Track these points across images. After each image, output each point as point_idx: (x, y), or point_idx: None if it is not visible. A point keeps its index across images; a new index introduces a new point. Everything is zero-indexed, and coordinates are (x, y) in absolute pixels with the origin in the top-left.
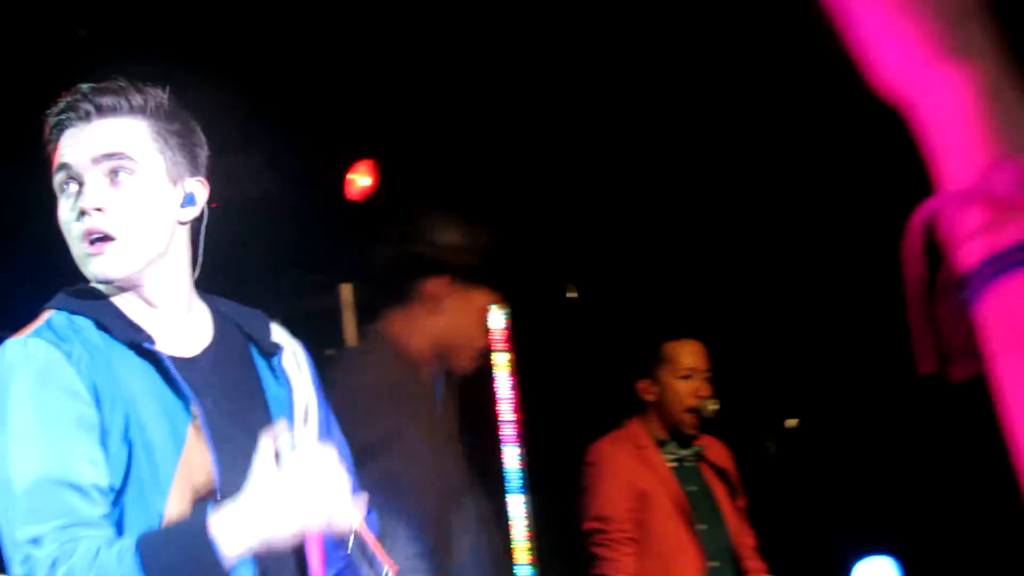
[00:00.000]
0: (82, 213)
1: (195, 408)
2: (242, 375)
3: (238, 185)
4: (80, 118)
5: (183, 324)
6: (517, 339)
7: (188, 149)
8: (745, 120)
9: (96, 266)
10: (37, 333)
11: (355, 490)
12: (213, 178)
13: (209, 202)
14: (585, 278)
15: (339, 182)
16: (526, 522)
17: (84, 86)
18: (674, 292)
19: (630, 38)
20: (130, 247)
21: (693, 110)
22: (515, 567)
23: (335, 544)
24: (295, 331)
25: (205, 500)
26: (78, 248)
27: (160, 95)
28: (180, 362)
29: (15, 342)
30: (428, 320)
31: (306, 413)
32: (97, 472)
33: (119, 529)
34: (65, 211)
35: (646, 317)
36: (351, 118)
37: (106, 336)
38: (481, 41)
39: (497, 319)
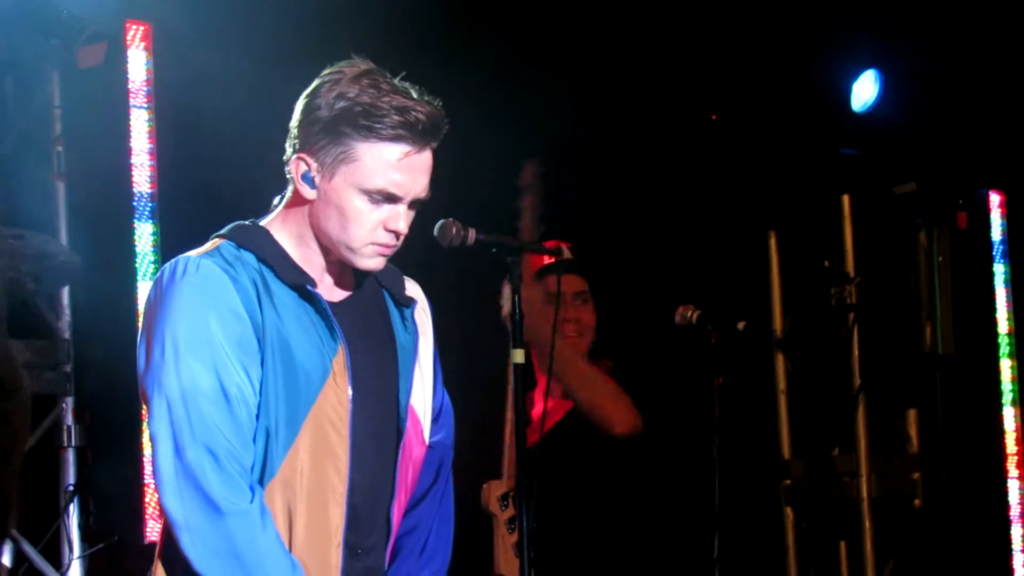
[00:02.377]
0: (391, 231)
1: (342, 345)
2: (378, 322)
3: None
4: (416, 140)
5: (334, 272)
6: None
7: None
8: None
9: (373, 264)
10: (209, 255)
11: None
12: None
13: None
14: None
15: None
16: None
17: (425, 102)
18: None
19: None
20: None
21: None
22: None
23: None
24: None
25: (336, 427)
26: (362, 243)
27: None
28: (331, 305)
29: (187, 259)
30: None
31: (423, 358)
32: (250, 392)
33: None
34: (369, 214)
35: None
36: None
37: (268, 271)
38: None
39: None
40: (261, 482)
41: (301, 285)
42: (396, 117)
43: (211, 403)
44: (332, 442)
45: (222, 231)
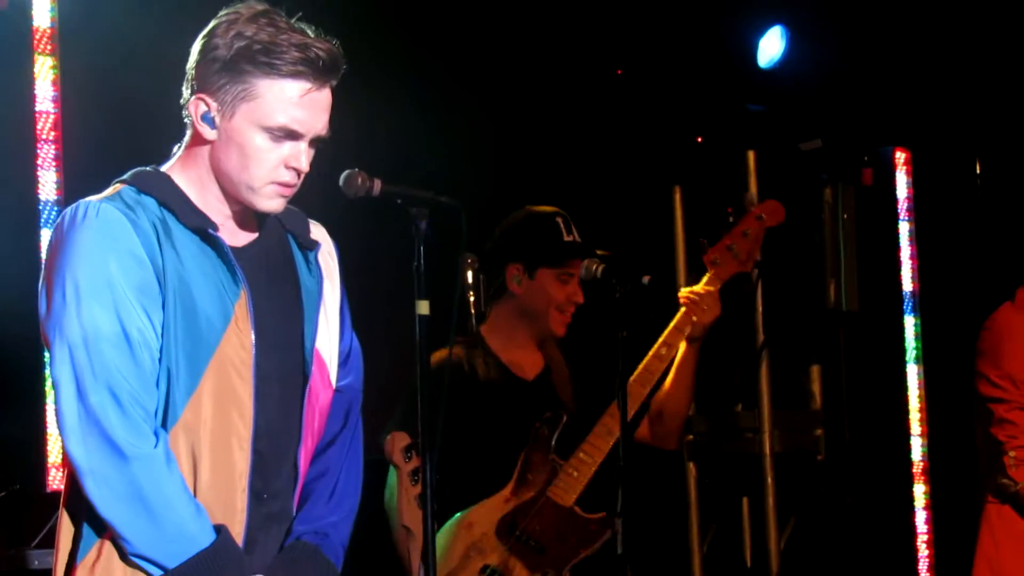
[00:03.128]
0: (291, 168)
1: (244, 289)
2: (282, 265)
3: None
4: (316, 77)
5: (237, 216)
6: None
7: None
8: None
9: (274, 205)
10: (109, 200)
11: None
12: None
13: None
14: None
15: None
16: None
17: (323, 39)
18: None
19: None
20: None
21: None
22: (911, 436)
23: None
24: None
25: (239, 371)
26: (263, 182)
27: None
28: (233, 250)
29: (87, 203)
30: None
31: (328, 301)
32: (152, 336)
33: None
34: (269, 152)
35: None
36: None
37: (169, 216)
38: None
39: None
40: (165, 427)
41: (202, 228)
42: (296, 53)
43: (113, 347)
44: (235, 387)
45: (123, 177)
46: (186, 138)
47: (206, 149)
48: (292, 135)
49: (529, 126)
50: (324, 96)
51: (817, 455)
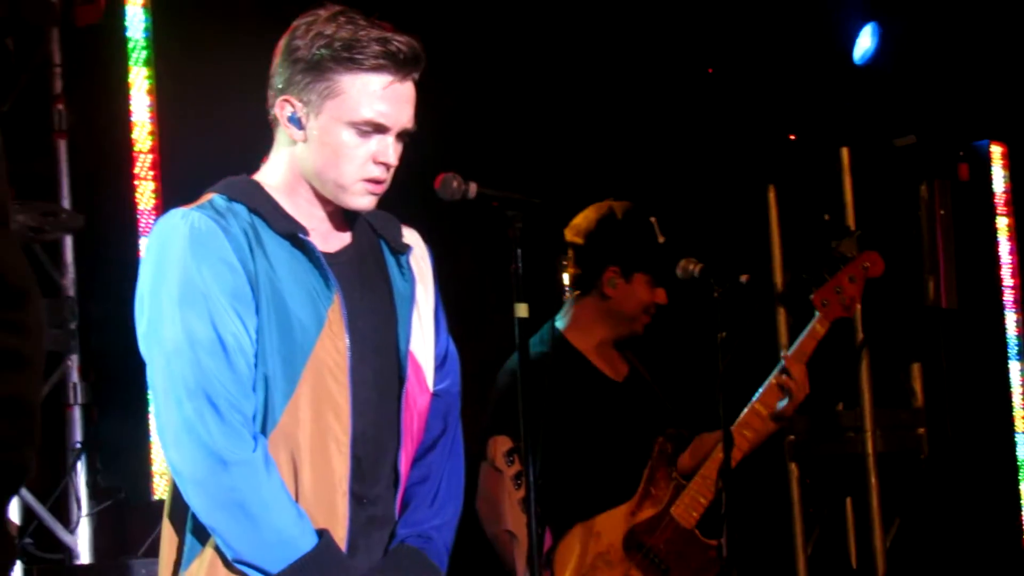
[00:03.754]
0: (380, 164)
1: (337, 294)
2: (374, 270)
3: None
4: (398, 69)
5: (330, 224)
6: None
7: None
8: None
9: (364, 203)
10: (199, 208)
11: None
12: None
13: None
14: None
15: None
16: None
17: (403, 33)
18: None
19: None
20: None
21: None
22: (1015, 433)
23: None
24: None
25: (335, 376)
26: (353, 179)
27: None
28: (325, 256)
29: (177, 212)
30: None
31: (421, 303)
32: (247, 341)
33: (257, 394)
34: (357, 147)
35: None
36: None
37: (260, 223)
38: None
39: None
40: (264, 432)
41: (293, 234)
42: (377, 47)
43: (209, 353)
44: (332, 392)
45: (213, 186)
46: (274, 144)
47: (294, 151)
48: (378, 129)
49: (622, 124)
50: (407, 89)
51: (920, 454)
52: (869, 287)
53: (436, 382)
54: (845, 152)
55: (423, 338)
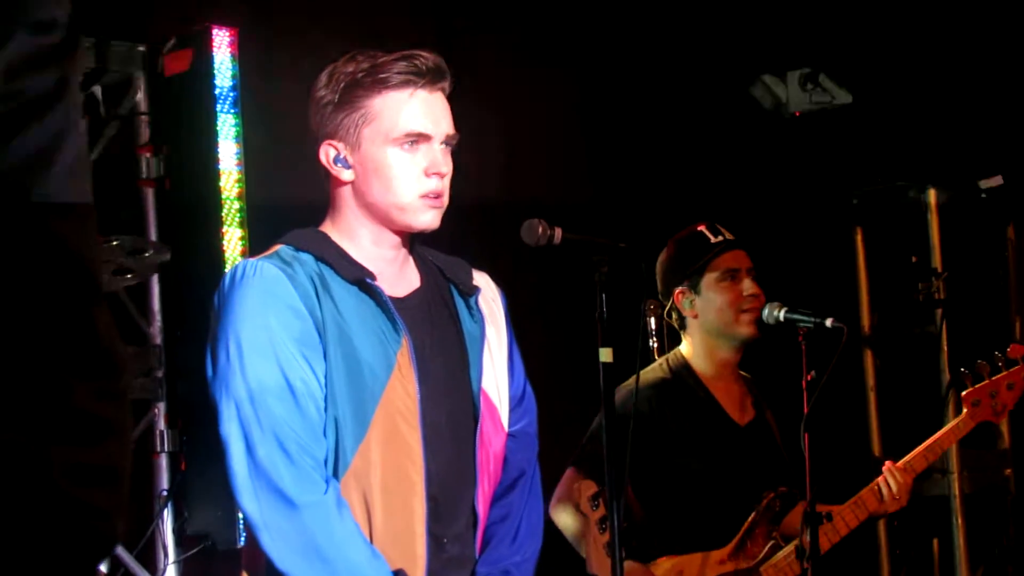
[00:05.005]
0: (433, 175)
1: (405, 338)
2: (443, 313)
3: None
4: (425, 82)
5: (397, 269)
6: None
7: None
8: None
9: (428, 219)
10: (267, 259)
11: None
12: None
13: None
14: None
15: None
16: None
17: (421, 51)
18: None
19: None
20: (443, 207)
21: None
22: None
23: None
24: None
25: (406, 418)
26: (410, 197)
27: None
28: (393, 300)
29: (245, 263)
30: None
31: (492, 343)
32: (316, 386)
33: (328, 438)
34: (406, 164)
35: None
36: None
37: (327, 269)
38: None
39: None
40: (336, 475)
41: (360, 279)
42: (401, 64)
43: (278, 399)
44: (403, 434)
45: (281, 238)
46: (331, 195)
47: (348, 192)
48: (420, 138)
49: (710, 168)
50: (438, 99)
51: (1007, 495)
52: (955, 329)
53: (512, 422)
54: (932, 193)
55: (495, 377)
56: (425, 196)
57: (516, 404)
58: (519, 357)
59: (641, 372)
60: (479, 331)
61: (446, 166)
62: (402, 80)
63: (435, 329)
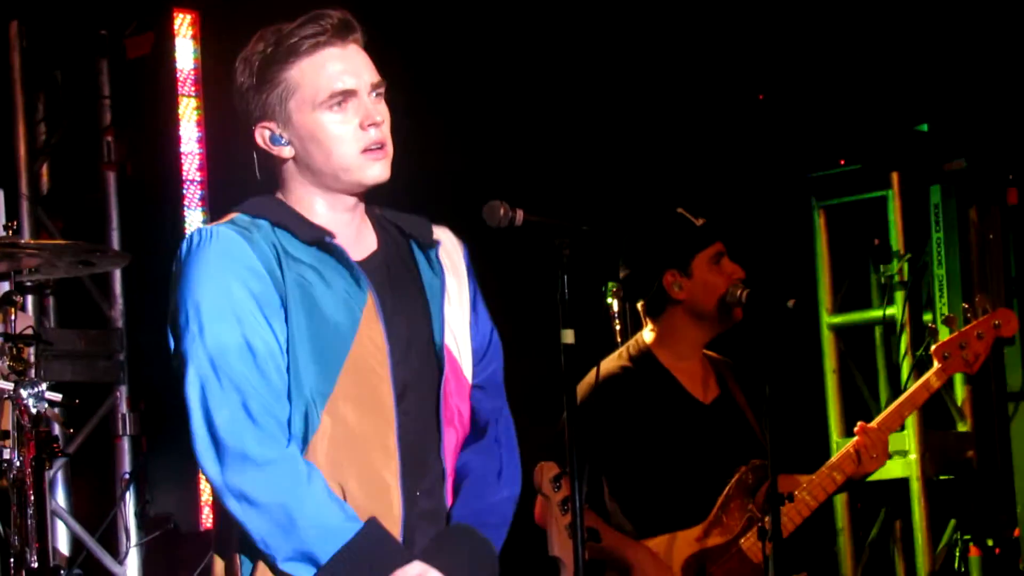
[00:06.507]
0: (369, 126)
1: (370, 292)
2: (404, 270)
3: None
4: (333, 38)
5: (354, 231)
6: None
7: None
8: None
9: (377, 171)
10: (222, 225)
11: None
12: None
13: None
14: None
15: None
16: None
17: (326, 10)
18: None
19: None
20: (389, 156)
21: None
22: None
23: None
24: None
25: (376, 371)
26: (353, 154)
27: None
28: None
29: (201, 230)
30: None
31: (452, 294)
32: (276, 348)
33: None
34: (340, 123)
35: None
36: None
37: (284, 234)
38: None
39: None
40: (305, 439)
41: (319, 239)
42: (308, 28)
43: (239, 359)
44: (374, 387)
45: (237, 206)
46: (275, 175)
47: (292, 167)
48: (346, 95)
49: (671, 148)
50: (353, 51)
51: (969, 477)
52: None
53: (477, 374)
54: (895, 176)
55: (457, 328)
56: (367, 150)
57: (481, 355)
58: (484, 307)
59: (601, 363)
60: (439, 284)
61: (380, 114)
62: (312, 44)
63: (396, 287)
